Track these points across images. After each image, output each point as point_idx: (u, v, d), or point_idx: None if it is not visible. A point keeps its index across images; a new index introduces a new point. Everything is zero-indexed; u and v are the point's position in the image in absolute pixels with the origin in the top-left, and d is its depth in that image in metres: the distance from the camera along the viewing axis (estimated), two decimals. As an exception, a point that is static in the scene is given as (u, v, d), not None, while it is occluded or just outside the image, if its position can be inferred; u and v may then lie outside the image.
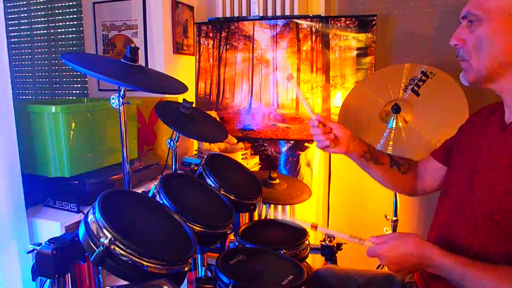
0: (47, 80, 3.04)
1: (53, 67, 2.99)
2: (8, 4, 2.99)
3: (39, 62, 3.05)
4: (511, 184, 0.84)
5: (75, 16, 2.72)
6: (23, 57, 3.12)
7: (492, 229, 0.87)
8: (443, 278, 0.97)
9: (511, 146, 0.87)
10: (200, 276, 1.44)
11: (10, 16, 3.04)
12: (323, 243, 1.60)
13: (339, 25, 2.20)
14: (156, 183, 1.21)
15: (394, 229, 1.92)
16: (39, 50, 3.02)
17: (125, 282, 0.89)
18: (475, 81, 0.93)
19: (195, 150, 2.41)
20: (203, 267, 1.42)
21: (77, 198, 1.54)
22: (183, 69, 2.48)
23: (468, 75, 0.93)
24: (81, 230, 0.92)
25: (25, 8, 2.99)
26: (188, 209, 1.16)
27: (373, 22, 2.14)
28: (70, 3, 2.72)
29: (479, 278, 0.81)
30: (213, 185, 1.41)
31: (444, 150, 1.16)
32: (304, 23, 2.26)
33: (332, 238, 1.61)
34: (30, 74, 3.12)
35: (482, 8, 0.87)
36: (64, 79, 2.94)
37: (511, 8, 0.84)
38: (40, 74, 3.07)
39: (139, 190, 1.41)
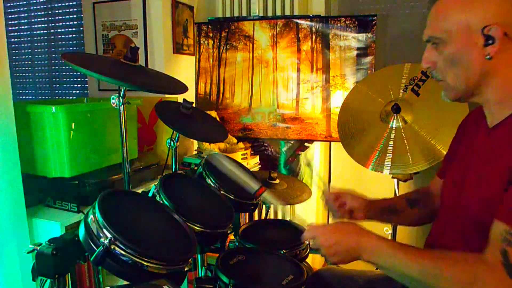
0: (47, 80, 3.04)
1: (53, 67, 2.99)
2: (8, 4, 2.99)
3: (39, 62, 3.05)
4: (497, 191, 0.84)
5: (75, 16, 2.72)
6: (23, 57, 3.12)
7: (481, 235, 0.86)
8: None
9: (496, 152, 0.87)
10: (200, 276, 1.44)
11: (10, 16, 3.04)
12: (323, 243, 1.60)
13: (339, 25, 2.20)
14: (156, 183, 1.21)
15: (394, 229, 1.92)
16: (39, 50, 3.02)
17: (125, 282, 0.89)
18: (457, 98, 0.94)
19: (195, 150, 2.41)
20: (203, 267, 1.42)
21: (77, 198, 1.54)
22: (183, 69, 2.48)
23: (448, 94, 0.94)
24: (81, 230, 0.92)
25: (25, 8, 3.00)
26: (188, 209, 1.16)
27: (373, 22, 2.14)
28: (70, 3, 2.73)
29: (399, 258, 0.83)
30: (213, 185, 1.41)
31: (444, 167, 1.16)
32: (304, 23, 2.25)
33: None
34: (30, 74, 3.12)
35: (442, 31, 0.88)
36: (64, 79, 2.94)
37: (469, 25, 0.84)
38: (40, 74, 3.07)
39: (139, 190, 1.41)
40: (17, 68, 3.16)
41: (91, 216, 0.91)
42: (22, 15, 3.02)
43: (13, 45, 3.09)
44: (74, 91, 2.90)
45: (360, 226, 0.90)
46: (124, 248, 0.86)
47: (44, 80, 3.06)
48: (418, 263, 0.81)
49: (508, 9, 0.83)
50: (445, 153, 1.19)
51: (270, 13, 2.38)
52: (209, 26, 2.44)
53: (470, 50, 0.85)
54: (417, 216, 1.23)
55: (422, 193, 1.26)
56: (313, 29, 2.24)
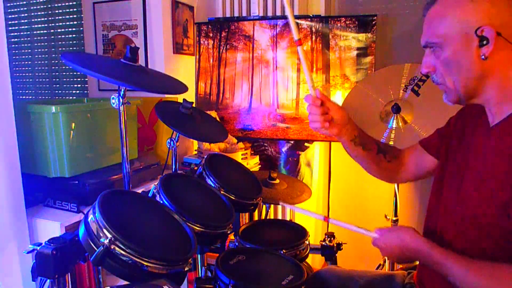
0: (47, 80, 3.04)
1: (53, 67, 2.99)
2: (8, 4, 2.99)
3: (39, 62, 3.05)
4: (494, 189, 0.85)
5: (75, 16, 2.72)
6: (23, 57, 3.12)
7: (479, 232, 0.88)
8: (438, 279, 0.98)
9: (495, 151, 0.88)
10: (200, 276, 1.44)
11: (10, 16, 3.04)
12: (323, 243, 1.60)
13: (339, 25, 2.20)
14: (156, 183, 1.21)
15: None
16: (39, 50, 3.02)
17: (125, 282, 0.89)
18: (458, 101, 0.95)
19: (195, 150, 2.41)
20: (203, 267, 1.42)
21: (77, 198, 1.54)
22: (183, 69, 2.48)
23: (449, 97, 0.95)
24: (81, 230, 0.92)
25: (25, 8, 2.99)
26: (188, 209, 1.16)
27: (373, 22, 2.14)
28: (70, 3, 2.72)
29: (456, 272, 0.86)
30: (213, 185, 1.41)
31: (436, 143, 1.16)
32: (304, 23, 2.26)
33: (332, 238, 1.61)
34: (30, 74, 3.11)
35: (438, 36, 0.90)
36: (64, 79, 2.94)
37: (464, 28, 0.86)
38: (40, 74, 3.07)
39: (139, 190, 1.41)
40: (17, 68, 3.15)
41: (91, 216, 0.91)
42: (22, 15, 3.02)
43: (13, 45, 3.09)
44: (74, 91, 2.90)
45: (416, 235, 0.95)
46: (124, 248, 0.86)
47: (44, 80, 3.05)
48: (462, 279, 0.85)
49: (500, 9, 0.84)
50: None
51: (270, 13, 2.38)
52: (209, 26, 2.44)
53: (466, 52, 0.87)
54: (376, 165, 1.23)
55: (393, 150, 1.27)
56: (313, 29, 2.24)
